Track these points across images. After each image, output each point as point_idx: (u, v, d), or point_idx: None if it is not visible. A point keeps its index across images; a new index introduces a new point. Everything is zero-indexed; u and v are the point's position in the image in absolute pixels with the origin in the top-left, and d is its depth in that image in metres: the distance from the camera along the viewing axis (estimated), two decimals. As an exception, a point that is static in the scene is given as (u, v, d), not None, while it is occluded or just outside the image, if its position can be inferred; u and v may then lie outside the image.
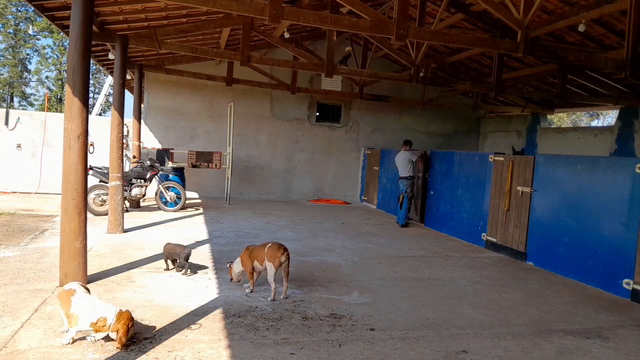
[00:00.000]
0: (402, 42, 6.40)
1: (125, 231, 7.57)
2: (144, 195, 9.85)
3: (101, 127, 11.73)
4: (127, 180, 9.40)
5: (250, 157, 13.14)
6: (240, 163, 12.92)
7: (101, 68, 13.68)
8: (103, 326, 3.46)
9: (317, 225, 9.44)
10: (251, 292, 4.92)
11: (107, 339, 3.55)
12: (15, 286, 4.67)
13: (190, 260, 5.59)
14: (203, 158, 11.51)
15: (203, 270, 5.61)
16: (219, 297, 4.69)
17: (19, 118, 11.91)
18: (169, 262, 5.56)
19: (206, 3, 5.45)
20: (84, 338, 3.55)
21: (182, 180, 10.90)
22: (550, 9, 7.82)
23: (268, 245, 4.82)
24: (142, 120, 11.41)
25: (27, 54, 35.95)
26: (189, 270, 5.44)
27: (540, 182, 6.92)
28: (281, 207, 11.82)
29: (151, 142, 12.27)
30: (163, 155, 11.58)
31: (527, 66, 10.49)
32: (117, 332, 3.44)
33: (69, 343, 3.47)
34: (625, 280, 5.47)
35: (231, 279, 5.09)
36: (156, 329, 3.82)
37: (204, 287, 4.98)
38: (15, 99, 35.56)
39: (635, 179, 5.47)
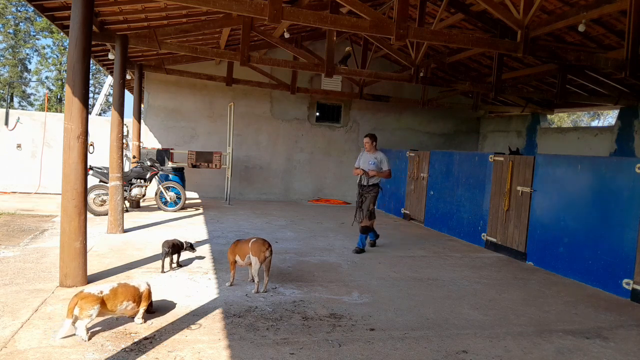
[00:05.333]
0: (402, 42, 6.39)
1: (125, 231, 7.57)
2: (143, 196, 9.85)
3: (101, 127, 11.74)
4: (127, 181, 9.40)
5: (250, 157, 13.15)
6: (240, 163, 12.92)
7: (101, 68, 13.68)
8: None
9: (317, 225, 9.43)
10: (230, 285, 5.05)
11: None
12: (15, 286, 4.67)
13: (190, 261, 5.58)
14: (203, 158, 11.52)
15: (203, 270, 5.61)
16: (219, 297, 4.69)
17: (18, 118, 11.92)
18: (168, 258, 5.50)
19: (206, 3, 5.45)
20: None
21: (182, 181, 10.90)
22: (550, 9, 7.82)
23: (252, 240, 4.95)
24: (142, 120, 11.42)
25: (27, 54, 35.98)
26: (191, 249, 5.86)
27: (540, 182, 6.92)
28: (281, 207, 11.82)
29: (151, 142, 12.27)
30: (163, 155, 11.59)
31: (527, 66, 10.50)
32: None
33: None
34: (625, 280, 5.47)
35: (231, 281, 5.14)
36: (157, 329, 3.83)
37: (204, 287, 4.98)
38: (15, 99, 35.57)
39: (635, 179, 5.47)
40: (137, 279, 4.15)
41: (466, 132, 15.26)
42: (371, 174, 7.13)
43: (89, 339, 3.56)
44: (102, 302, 3.64)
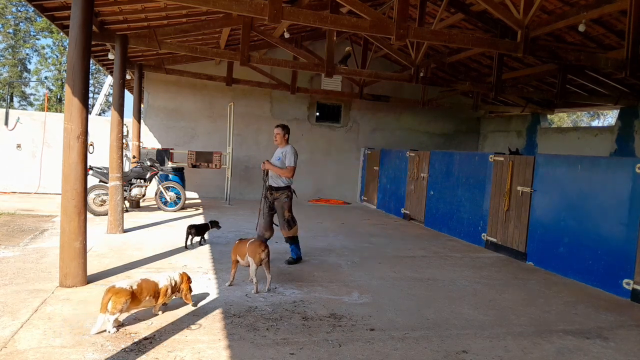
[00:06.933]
0: (402, 42, 6.39)
1: (125, 231, 7.56)
2: (143, 196, 9.85)
3: (101, 127, 11.74)
4: (127, 181, 9.40)
5: (250, 157, 13.14)
6: (240, 163, 12.92)
7: (101, 68, 13.68)
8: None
9: (317, 225, 9.43)
10: (229, 285, 5.05)
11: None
12: (15, 286, 4.67)
13: (190, 261, 5.60)
14: (203, 158, 11.51)
15: (203, 270, 5.61)
16: (219, 297, 4.69)
17: (18, 118, 11.91)
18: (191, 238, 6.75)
19: (206, 3, 5.45)
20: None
21: (182, 181, 10.89)
22: (550, 9, 7.82)
23: (250, 241, 5.00)
24: (141, 120, 11.41)
25: (27, 54, 35.96)
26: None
27: (540, 182, 6.92)
28: (281, 207, 11.80)
29: (151, 142, 12.27)
30: (163, 155, 11.58)
31: (527, 66, 10.49)
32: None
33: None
34: (626, 280, 5.47)
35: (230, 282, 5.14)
36: (157, 329, 3.83)
37: (203, 287, 4.97)
38: (15, 99, 35.56)
39: (635, 179, 5.47)
40: (160, 274, 4.28)
41: (466, 132, 15.25)
42: (269, 169, 6.19)
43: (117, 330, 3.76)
44: (133, 296, 3.79)
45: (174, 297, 4.25)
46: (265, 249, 4.91)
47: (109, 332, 3.67)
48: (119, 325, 3.81)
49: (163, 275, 4.20)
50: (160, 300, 4.08)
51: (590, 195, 6.10)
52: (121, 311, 3.70)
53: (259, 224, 6.27)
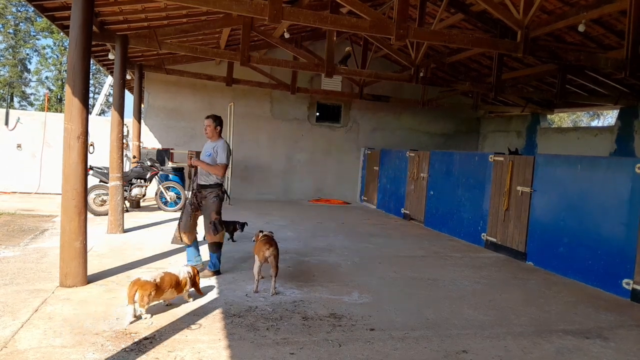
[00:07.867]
0: (402, 42, 6.40)
1: (125, 231, 7.57)
2: (144, 195, 9.86)
3: (101, 127, 11.74)
4: (127, 181, 9.41)
5: (250, 157, 13.15)
6: (240, 163, 12.92)
7: (101, 68, 13.69)
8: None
9: (317, 225, 9.44)
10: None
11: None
12: (16, 286, 4.67)
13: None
14: (203, 158, 11.50)
15: (202, 271, 5.60)
16: (219, 297, 4.69)
17: (19, 118, 11.92)
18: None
19: (206, 3, 5.46)
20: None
21: (182, 181, 10.90)
22: (550, 9, 7.83)
23: (260, 239, 5.00)
24: (142, 120, 11.41)
25: (27, 54, 35.98)
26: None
27: (540, 182, 6.92)
28: (281, 207, 11.82)
29: (151, 142, 12.28)
30: (163, 155, 11.60)
31: (527, 66, 10.50)
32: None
33: None
34: (625, 280, 5.47)
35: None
36: (157, 329, 3.83)
37: (203, 287, 4.98)
38: (15, 99, 35.58)
39: (635, 179, 5.47)
40: (177, 267, 4.59)
41: (466, 132, 15.27)
42: (198, 165, 5.43)
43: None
44: (157, 288, 4.01)
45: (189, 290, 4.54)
46: (270, 247, 4.80)
47: (144, 318, 3.96)
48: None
49: (179, 268, 4.47)
50: (183, 290, 4.34)
51: (590, 195, 6.10)
52: (148, 303, 3.94)
53: (178, 225, 5.49)
